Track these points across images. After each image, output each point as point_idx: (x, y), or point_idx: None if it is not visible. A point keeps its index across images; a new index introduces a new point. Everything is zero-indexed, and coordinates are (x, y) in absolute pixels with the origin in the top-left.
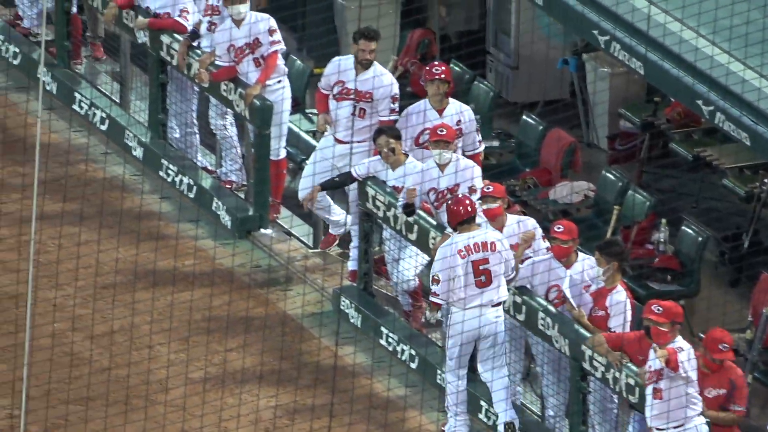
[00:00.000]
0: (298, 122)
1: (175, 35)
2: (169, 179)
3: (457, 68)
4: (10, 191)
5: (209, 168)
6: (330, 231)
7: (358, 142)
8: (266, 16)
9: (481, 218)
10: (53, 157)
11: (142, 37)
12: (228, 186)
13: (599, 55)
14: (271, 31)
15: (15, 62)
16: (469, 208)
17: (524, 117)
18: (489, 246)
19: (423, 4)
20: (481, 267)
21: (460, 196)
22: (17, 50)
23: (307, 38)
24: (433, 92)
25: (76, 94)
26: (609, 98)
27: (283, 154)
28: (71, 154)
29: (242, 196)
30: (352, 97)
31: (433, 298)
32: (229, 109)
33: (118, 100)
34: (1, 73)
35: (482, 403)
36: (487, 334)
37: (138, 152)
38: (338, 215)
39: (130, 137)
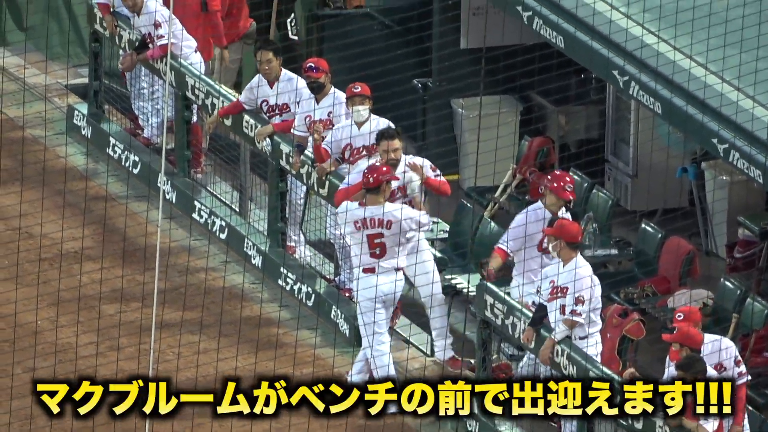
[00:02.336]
0: None
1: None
2: (288, 287)
3: (576, 176)
4: (129, 300)
5: (327, 276)
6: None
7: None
8: (387, 122)
9: None
10: (173, 265)
11: (266, 146)
12: (347, 294)
13: (718, 163)
14: None
15: (135, 171)
16: (372, 180)
17: (643, 225)
18: (385, 223)
19: (542, 113)
20: (375, 241)
21: (377, 164)
22: (137, 159)
23: (427, 147)
24: (551, 202)
25: (196, 203)
26: (728, 206)
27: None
28: (191, 263)
29: None
30: (398, 196)
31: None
32: None
33: (237, 209)
34: (121, 182)
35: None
36: (387, 296)
37: (257, 261)
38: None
39: (250, 246)
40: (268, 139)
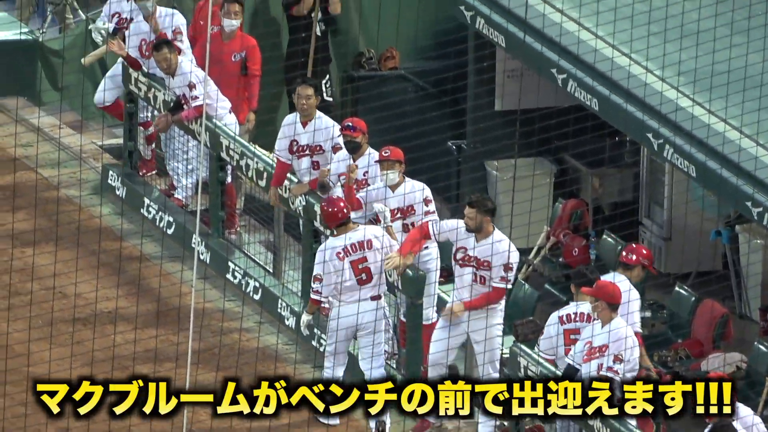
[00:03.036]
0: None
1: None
2: (322, 349)
3: (609, 239)
4: (163, 360)
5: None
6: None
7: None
8: (422, 185)
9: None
10: (207, 326)
11: (299, 206)
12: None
13: (752, 226)
14: (426, 201)
15: (169, 232)
16: (345, 210)
17: (677, 288)
18: (365, 244)
19: (577, 175)
20: (360, 266)
21: (335, 197)
22: (171, 220)
23: (461, 209)
24: (637, 276)
25: (230, 264)
26: (762, 270)
27: (434, 317)
28: (225, 324)
29: (394, 365)
30: (472, 264)
31: (314, 296)
32: None
33: (271, 270)
34: (155, 242)
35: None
36: (365, 326)
37: (291, 322)
38: None
39: (284, 307)
40: (302, 197)
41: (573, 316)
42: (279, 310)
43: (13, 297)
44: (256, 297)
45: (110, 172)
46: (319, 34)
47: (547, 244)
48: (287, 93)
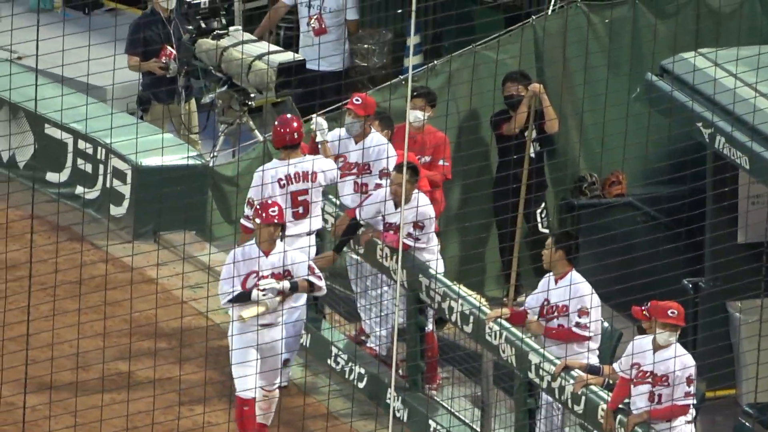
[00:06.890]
0: None
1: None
2: None
3: None
4: None
5: None
6: None
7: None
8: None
9: None
10: None
11: (509, 354)
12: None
13: None
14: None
15: (360, 385)
16: (296, 135)
17: None
18: (310, 176)
19: None
20: (299, 198)
21: (289, 117)
22: (363, 372)
23: (699, 356)
24: None
25: (432, 423)
26: None
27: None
28: None
29: None
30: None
31: (245, 222)
32: None
33: (479, 430)
34: (344, 398)
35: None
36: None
37: None
38: None
39: None
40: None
41: None
42: None
43: None
44: None
45: None
46: (533, 155)
47: None
48: (496, 225)
